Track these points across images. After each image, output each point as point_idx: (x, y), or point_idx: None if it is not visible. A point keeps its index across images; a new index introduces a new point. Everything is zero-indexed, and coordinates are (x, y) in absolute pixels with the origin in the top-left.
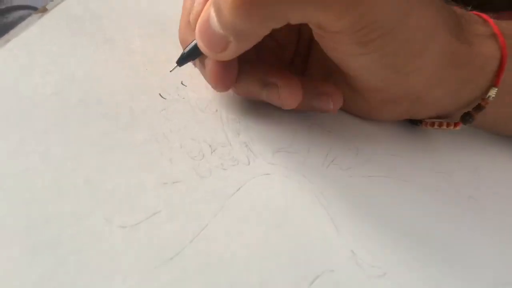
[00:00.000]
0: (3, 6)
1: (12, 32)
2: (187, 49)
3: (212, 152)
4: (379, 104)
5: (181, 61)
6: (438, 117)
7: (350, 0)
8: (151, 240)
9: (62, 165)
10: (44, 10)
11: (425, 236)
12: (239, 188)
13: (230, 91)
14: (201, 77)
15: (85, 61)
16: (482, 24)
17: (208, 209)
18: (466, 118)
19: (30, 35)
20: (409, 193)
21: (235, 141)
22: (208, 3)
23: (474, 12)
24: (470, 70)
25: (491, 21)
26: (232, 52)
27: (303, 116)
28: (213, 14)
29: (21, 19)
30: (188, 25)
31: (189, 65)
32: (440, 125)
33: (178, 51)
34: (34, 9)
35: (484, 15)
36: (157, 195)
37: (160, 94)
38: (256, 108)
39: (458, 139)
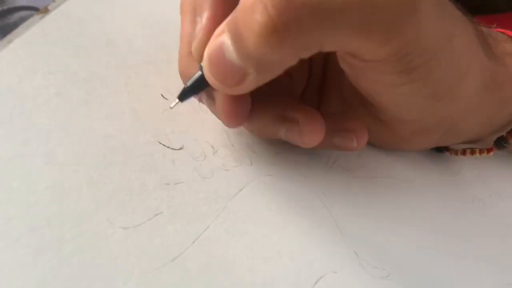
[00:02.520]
0: (5, 7)
1: (14, 32)
2: (190, 81)
3: (214, 153)
4: (408, 135)
5: (183, 96)
6: (468, 142)
7: (396, 24)
8: (154, 241)
9: (64, 166)
10: (46, 11)
11: (428, 237)
12: (242, 189)
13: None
14: None
15: (87, 61)
16: (509, 41)
17: (210, 210)
18: (500, 143)
19: (32, 35)
20: (413, 194)
21: (237, 142)
22: (219, 29)
23: (497, 29)
24: (506, 92)
25: None
26: (249, 86)
27: None
28: (228, 42)
29: (23, 20)
30: (189, 55)
31: None
32: (472, 152)
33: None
34: (36, 10)
35: (507, 32)
36: (159, 196)
37: (162, 95)
38: None
39: None
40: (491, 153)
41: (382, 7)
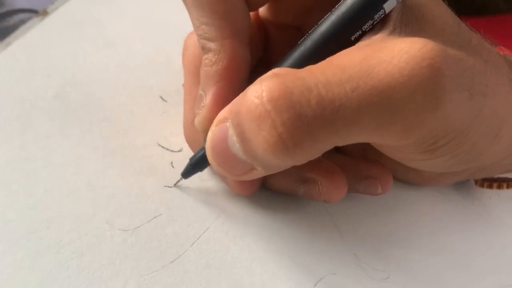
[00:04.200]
0: (4, 9)
1: (13, 35)
2: (194, 160)
3: None
4: (436, 176)
5: (188, 173)
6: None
7: (417, 120)
8: (152, 243)
9: (63, 169)
10: (45, 13)
11: (428, 239)
12: None
13: None
14: None
15: (86, 64)
16: None
17: (209, 212)
18: None
19: (31, 38)
20: (413, 196)
21: None
22: (222, 115)
23: None
24: None
25: None
26: (256, 176)
27: None
28: (232, 136)
29: (22, 22)
30: (193, 124)
31: None
32: (500, 186)
33: (179, 55)
34: (35, 12)
35: None
36: (158, 199)
37: (161, 97)
38: None
39: None
40: None
41: (401, 109)
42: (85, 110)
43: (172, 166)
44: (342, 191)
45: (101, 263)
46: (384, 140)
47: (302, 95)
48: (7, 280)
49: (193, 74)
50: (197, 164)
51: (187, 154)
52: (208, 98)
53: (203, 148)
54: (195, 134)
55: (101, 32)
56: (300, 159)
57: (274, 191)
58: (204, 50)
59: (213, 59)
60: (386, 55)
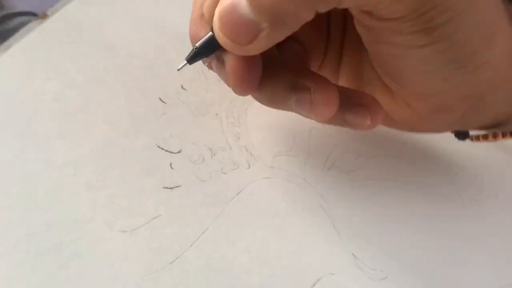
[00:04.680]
0: (4, 12)
1: (13, 38)
2: (200, 42)
3: (212, 156)
4: (429, 113)
5: (193, 58)
6: (491, 126)
7: None
8: (152, 244)
9: (63, 171)
10: (45, 16)
11: (426, 239)
12: (240, 192)
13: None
14: (201, 81)
15: (86, 66)
16: None
17: (209, 213)
18: None
19: (31, 41)
20: (410, 196)
21: (235, 145)
22: None
23: None
24: None
25: None
26: (262, 43)
27: (303, 119)
28: None
29: (22, 25)
30: (201, 18)
31: (189, 69)
32: (495, 136)
33: (178, 56)
34: (35, 15)
35: None
36: (157, 200)
37: (160, 99)
38: (256, 112)
39: (459, 142)
40: None
41: None
42: (84, 112)
43: (171, 168)
44: (332, 104)
45: (101, 264)
46: (379, 2)
47: None
48: (8, 281)
49: None
50: (203, 47)
51: (187, 155)
52: None
53: (209, 32)
54: (201, 30)
55: (100, 34)
56: None
57: (267, 105)
58: None
59: None
60: None
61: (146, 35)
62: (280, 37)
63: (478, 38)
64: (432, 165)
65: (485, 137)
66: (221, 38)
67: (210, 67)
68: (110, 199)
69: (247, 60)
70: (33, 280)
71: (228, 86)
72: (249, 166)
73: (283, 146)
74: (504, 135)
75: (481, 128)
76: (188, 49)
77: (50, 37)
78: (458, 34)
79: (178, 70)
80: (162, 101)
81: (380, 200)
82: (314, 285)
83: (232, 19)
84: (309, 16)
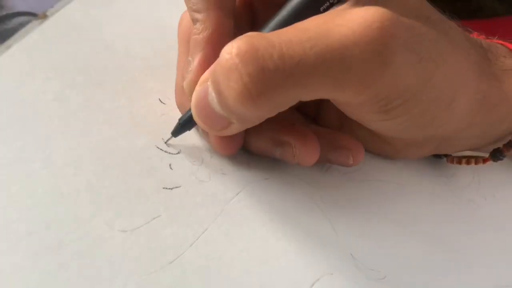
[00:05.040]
0: (4, 13)
1: (13, 38)
2: (183, 119)
3: (211, 157)
4: (403, 147)
5: (177, 132)
6: (467, 150)
7: (368, 77)
8: (151, 244)
9: (63, 171)
10: (45, 17)
11: (424, 239)
12: (239, 193)
13: None
14: None
15: (85, 67)
16: (509, 56)
17: (208, 214)
18: (496, 155)
19: (31, 41)
20: (408, 197)
21: None
22: (204, 75)
23: (498, 41)
24: (502, 111)
25: None
26: (234, 131)
27: None
28: (212, 93)
29: (22, 25)
30: (183, 89)
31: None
32: (468, 162)
33: (177, 57)
34: (35, 15)
35: (508, 45)
36: (157, 200)
37: (159, 99)
38: None
39: None
40: (487, 163)
41: (352, 65)
42: (84, 112)
43: (171, 168)
44: (314, 155)
45: (101, 264)
46: (341, 96)
47: (266, 51)
48: (7, 281)
49: (185, 44)
50: (186, 123)
51: (186, 155)
52: (194, 63)
53: (190, 110)
54: (185, 99)
55: (100, 35)
56: (266, 109)
57: (254, 153)
58: (193, 21)
59: (200, 28)
60: (344, 20)
61: (146, 35)
62: (249, 126)
63: (435, 107)
64: (429, 166)
65: (459, 162)
66: (198, 122)
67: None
68: (110, 199)
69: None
70: (33, 280)
71: (213, 149)
72: (248, 167)
73: None
74: (477, 162)
75: (458, 151)
76: None
77: (50, 37)
78: (414, 110)
79: (166, 143)
80: (162, 102)
81: (377, 200)
82: (312, 285)
83: (206, 111)
84: (272, 114)
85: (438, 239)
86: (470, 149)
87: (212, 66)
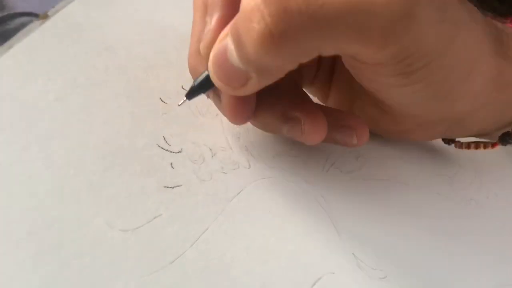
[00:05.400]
0: (5, 13)
1: (14, 38)
2: (198, 81)
3: (212, 156)
4: (413, 127)
5: (191, 94)
6: (476, 135)
7: (392, 29)
8: (152, 244)
9: (64, 171)
10: (46, 17)
11: (426, 238)
12: (240, 192)
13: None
14: None
15: (87, 67)
16: None
17: (209, 213)
18: (505, 138)
19: (32, 41)
20: (410, 196)
21: (235, 145)
22: (223, 32)
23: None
24: None
25: None
26: (252, 88)
27: None
28: (231, 46)
29: (23, 25)
30: (198, 53)
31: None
32: (477, 146)
33: (178, 56)
34: (36, 16)
35: None
36: (158, 199)
37: (161, 99)
38: None
39: None
40: (496, 147)
41: (378, 14)
42: (85, 112)
43: (172, 167)
44: (322, 131)
45: (102, 263)
46: (363, 50)
47: None
48: (8, 280)
49: (201, 9)
50: (201, 84)
51: (187, 154)
52: (213, 22)
53: (206, 71)
54: (199, 64)
55: (101, 35)
56: (287, 55)
57: (262, 129)
58: None
59: None
60: None
61: (147, 35)
62: (268, 82)
63: (455, 76)
64: (431, 165)
65: (467, 146)
66: (215, 81)
67: (208, 97)
68: (111, 198)
69: (241, 96)
70: (34, 279)
71: (224, 115)
72: (250, 166)
73: (283, 146)
74: (485, 147)
75: (467, 136)
76: (187, 49)
77: (51, 37)
78: (435, 75)
79: (179, 105)
80: (163, 101)
81: (379, 200)
82: (314, 284)
83: (224, 67)
84: (292, 67)
85: (440, 238)
86: (477, 135)
87: (233, 21)
